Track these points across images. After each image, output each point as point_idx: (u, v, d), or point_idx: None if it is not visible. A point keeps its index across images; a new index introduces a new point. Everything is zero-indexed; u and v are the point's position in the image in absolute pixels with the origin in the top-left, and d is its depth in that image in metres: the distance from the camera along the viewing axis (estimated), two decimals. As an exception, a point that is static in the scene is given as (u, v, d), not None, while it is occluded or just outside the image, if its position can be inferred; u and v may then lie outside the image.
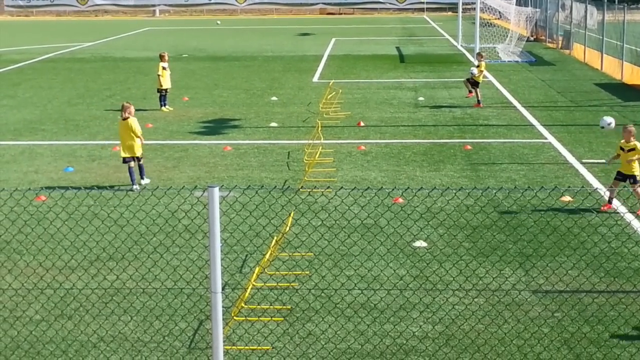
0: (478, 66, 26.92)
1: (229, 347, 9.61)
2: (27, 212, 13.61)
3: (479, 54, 28.27)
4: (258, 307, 10.77)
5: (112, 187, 16.86)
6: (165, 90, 26.24)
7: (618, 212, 14.63)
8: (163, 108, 26.14)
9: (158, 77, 26.20)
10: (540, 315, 10.48)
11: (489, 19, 46.02)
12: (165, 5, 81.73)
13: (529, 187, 16.26)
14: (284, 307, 10.80)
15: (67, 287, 11.36)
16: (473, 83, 26.75)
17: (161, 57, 26.44)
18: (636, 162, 14.62)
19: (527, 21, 44.72)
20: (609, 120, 16.72)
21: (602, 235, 13.25)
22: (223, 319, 8.17)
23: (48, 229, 12.71)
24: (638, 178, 14.64)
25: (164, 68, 26.08)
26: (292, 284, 11.59)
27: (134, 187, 16.58)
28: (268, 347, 9.69)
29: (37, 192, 15.56)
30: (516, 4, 43.90)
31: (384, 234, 13.39)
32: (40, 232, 12.91)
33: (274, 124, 23.71)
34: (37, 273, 11.56)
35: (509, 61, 38.53)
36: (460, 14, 48.73)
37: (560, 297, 11.03)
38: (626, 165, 14.73)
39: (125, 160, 16.79)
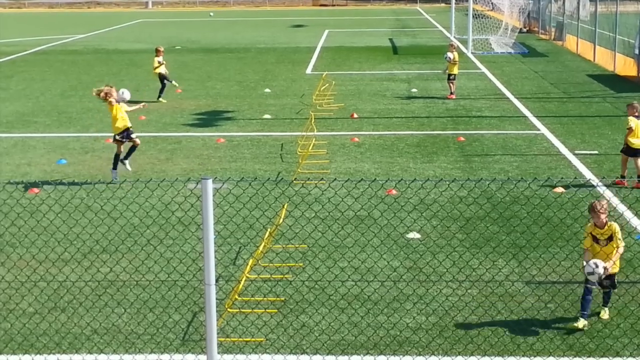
0: (452, 58, 26.47)
1: (223, 339, 9.62)
2: (20, 204, 13.59)
3: (450, 45, 27.75)
4: (252, 299, 10.78)
5: (105, 179, 16.83)
6: (165, 77, 26.17)
7: (610, 203, 14.65)
8: (161, 99, 26.14)
9: (154, 71, 26.13)
10: (533, 306, 10.51)
11: (482, 11, 46.03)
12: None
13: (522, 178, 16.29)
14: (278, 298, 10.81)
15: (60, 280, 11.35)
16: (451, 77, 26.50)
17: (157, 52, 26.31)
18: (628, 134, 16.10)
19: (520, 12, 44.77)
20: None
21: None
22: (217, 311, 8.18)
23: (41, 222, 12.70)
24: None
25: (159, 62, 25.99)
26: (285, 275, 11.60)
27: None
28: (262, 339, 9.71)
29: (30, 185, 15.54)
30: (509, -4, 43.89)
31: (377, 225, 13.40)
32: (33, 224, 12.88)
33: (267, 116, 23.70)
34: (30, 266, 11.55)
35: (501, 52, 38.56)
36: (453, 5, 48.70)
37: (553, 288, 11.06)
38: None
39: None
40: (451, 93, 26.38)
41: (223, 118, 23.66)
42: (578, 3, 39.04)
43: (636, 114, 16.16)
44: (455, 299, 10.76)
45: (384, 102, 25.92)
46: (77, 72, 33.91)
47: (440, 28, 52.92)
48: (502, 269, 11.73)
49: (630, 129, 16.03)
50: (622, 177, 16.08)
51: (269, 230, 12.88)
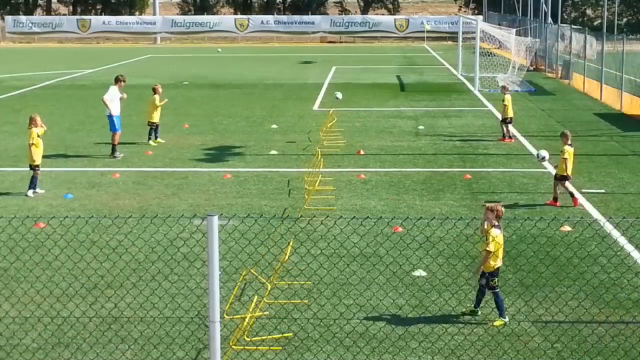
0: (502, 100, 26.05)
1: (227, 376, 9.55)
2: (25, 239, 13.57)
3: (503, 87, 27.20)
4: (256, 338, 10.71)
5: (111, 214, 16.83)
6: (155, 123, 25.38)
7: (618, 242, 14.59)
8: (157, 140, 25.42)
9: (153, 110, 25.06)
10: (540, 346, 10.43)
11: (489, 49, 46.21)
12: (167, 32, 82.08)
13: (528, 217, 16.23)
14: (283, 335, 10.75)
15: (64, 315, 11.31)
16: (505, 121, 25.98)
17: (154, 90, 25.57)
18: (564, 163, 17.51)
19: (527, 51, 44.91)
20: (543, 154, 19.48)
21: (602, 266, 13.21)
22: (221, 348, 8.13)
23: (46, 257, 12.69)
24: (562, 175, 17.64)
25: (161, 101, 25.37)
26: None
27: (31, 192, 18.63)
28: (266, 377, 9.63)
29: (35, 219, 15.54)
30: (516, 34, 44.10)
31: (383, 263, 13.35)
32: (39, 259, 12.88)
33: (274, 152, 23.74)
34: (34, 301, 11.52)
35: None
36: (460, 43, 48.92)
37: (560, 328, 10.99)
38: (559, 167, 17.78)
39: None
40: (509, 137, 25.50)
41: (230, 153, 23.71)
42: (585, 42, 39.18)
43: (569, 142, 17.78)
44: (461, 338, 10.69)
45: (390, 139, 25.95)
46: (85, 107, 34.03)
47: (447, 65, 53.10)
48: (508, 309, 11.65)
49: (565, 159, 17.55)
50: (555, 199, 17.74)
51: (274, 267, 12.83)
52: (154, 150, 23.94)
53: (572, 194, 17.62)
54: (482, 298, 11.44)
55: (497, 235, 11.14)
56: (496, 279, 11.26)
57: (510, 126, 25.48)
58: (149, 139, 25.28)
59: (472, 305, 11.54)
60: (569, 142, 17.80)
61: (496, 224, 11.22)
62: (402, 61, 58.12)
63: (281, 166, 21.86)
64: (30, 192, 18.55)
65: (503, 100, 25.25)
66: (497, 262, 11.25)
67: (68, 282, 12.35)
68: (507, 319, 11.21)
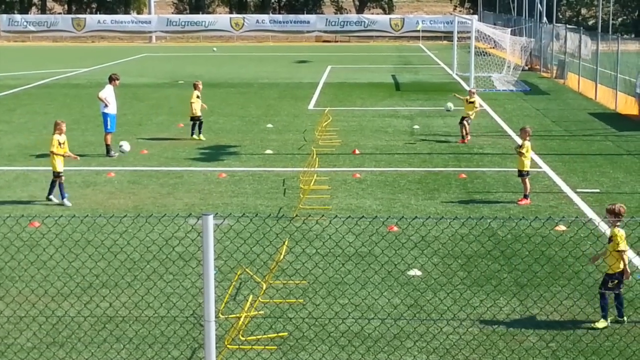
0: (472, 102, 26.03)
1: (222, 376, 9.54)
2: (20, 238, 13.55)
3: (470, 91, 27.19)
4: (252, 337, 10.71)
5: (106, 213, 16.80)
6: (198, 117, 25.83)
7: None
8: (200, 136, 25.68)
9: (191, 105, 25.61)
10: (535, 345, 10.44)
11: (484, 48, 46.27)
12: (162, 31, 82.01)
13: (523, 216, 16.26)
14: (278, 334, 10.75)
15: (59, 315, 11.29)
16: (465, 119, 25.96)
17: (195, 86, 26.09)
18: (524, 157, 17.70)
19: (522, 50, 44.98)
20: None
21: (597, 265, 13.22)
22: (216, 348, 8.12)
23: (41, 256, 12.66)
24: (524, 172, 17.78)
25: (197, 97, 25.71)
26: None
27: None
28: (261, 377, 9.63)
29: (30, 219, 15.52)
30: (511, 34, 44.13)
31: (378, 262, 13.35)
32: (33, 259, 12.85)
33: (269, 151, 23.73)
34: (29, 300, 11.51)
35: (503, 90, 38.67)
36: (455, 42, 48.95)
37: (555, 327, 10.99)
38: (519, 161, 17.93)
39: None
40: (463, 137, 25.36)
41: (225, 153, 23.70)
42: (580, 41, 39.24)
43: (528, 138, 17.96)
44: (456, 337, 10.70)
45: (386, 138, 25.96)
46: (80, 106, 33.98)
47: (442, 65, 53.13)
48: (503, 308, 11.67)
49: (523, 153, 17.71)
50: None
51: (270, 266, 12.83)
52: (150, 149, 23.92)
53: (525, 195, 17.65)
54: (621, 302, 11.25)
55: (621, 233, 11.05)
56: (616, 281, 11.05)
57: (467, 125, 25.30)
58: (192, 133, 25.86)
59: (616, 315, 11.30)
60: (528, 138, 17.94)
61: (618, 223, 11.15)
62: (398, 60, 58.14)
63: (276, 165, 21.86)
64: (66, 200, 17.66)
65: (471, 99, 25.59)
66: (620, 265, 11.08)
67: (63, 281, 12.33)
68: (608, 322, 11.02)
